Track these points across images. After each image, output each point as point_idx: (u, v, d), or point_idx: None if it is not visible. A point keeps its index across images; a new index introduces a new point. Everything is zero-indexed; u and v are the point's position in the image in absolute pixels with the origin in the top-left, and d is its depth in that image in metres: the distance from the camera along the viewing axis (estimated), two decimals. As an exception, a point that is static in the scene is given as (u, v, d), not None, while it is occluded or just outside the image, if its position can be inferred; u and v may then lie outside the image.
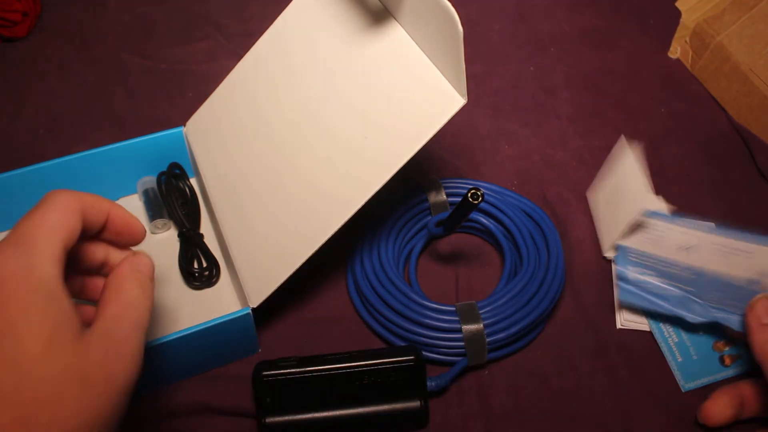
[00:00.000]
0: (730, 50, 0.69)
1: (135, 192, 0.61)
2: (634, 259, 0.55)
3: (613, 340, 0.54)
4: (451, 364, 0.51)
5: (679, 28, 0.76)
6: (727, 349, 0.53)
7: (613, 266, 0.57)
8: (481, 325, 0.49)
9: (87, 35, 0.79)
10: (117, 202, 0.61)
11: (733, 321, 0.51)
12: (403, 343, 0.51)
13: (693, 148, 0.67)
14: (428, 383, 0.48)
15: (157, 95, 0.73)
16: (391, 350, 0.48)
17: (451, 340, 0.50)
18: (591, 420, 0.49)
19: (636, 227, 0.55)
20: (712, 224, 0.57)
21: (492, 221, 0.57)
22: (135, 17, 0.82)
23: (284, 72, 0.55)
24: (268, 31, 0.57)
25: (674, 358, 0.52)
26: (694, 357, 0.53)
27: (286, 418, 0.46)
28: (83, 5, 0.83)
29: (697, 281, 0.53)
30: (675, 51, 0.77)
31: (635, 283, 0.54)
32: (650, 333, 0.54)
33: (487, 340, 0.50)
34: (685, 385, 0.51)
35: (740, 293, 0.51)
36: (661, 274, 0.54)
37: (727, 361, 0.52)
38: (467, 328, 0.50)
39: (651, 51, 0.78)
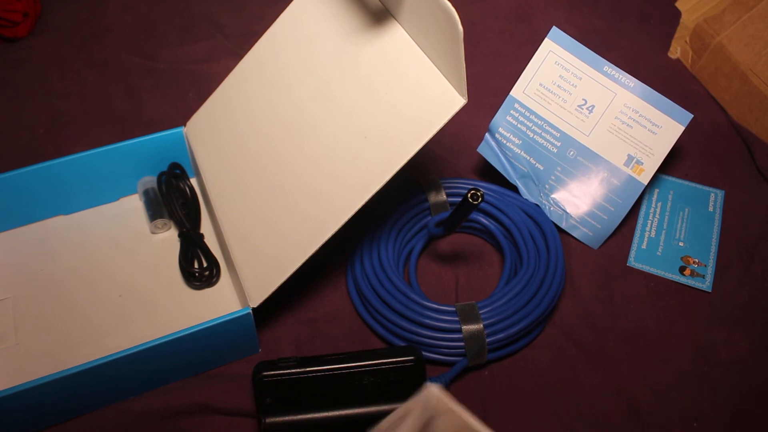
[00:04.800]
0: (730, 50, 0.69)
1: (135, 192, 0.61)
2: (512, 120, 0.58)
3: (613, 340, 0.54)
4: (451, 364, 0.51)
5: (679, 28, 0.76)
6: (695, 266, 0.55)
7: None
8: (481, 325, 0.49)
9: (87, 35, 0.79)
10: (117, 201, 0.61)
11: (550, 212, 0.59)
12: (403, 343, 0.51)
13: (693, 148, 0.67)
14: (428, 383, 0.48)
15: (157, 95, 0.73)
16: (391, 350, 0.48)
17: (451, 340, 0.50)
18: (591, 420, 0.49)
19: (555, 61, 0.59)
20: (638, 83, 0.60)
21: (492, 221, 0.57)
22: (135, 17, 0.82)
23: (284, 72, 0.55)
24: (268, 32, 0.57)
25: (640, 240, 0.57)
26: (658, 252, 0.57)
27: (286, 418, 0.46)
28: (83, 5, 0.83)
29: (554, 156, 0.57)
30: (675, 51, 0.77)
31: (498, 142, 0.59)
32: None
33: (487, 340, 0.50)
34: (633, 261, 0.56)
35: (586, 180, 0.57)
36: (525, 144, 0.58)
37: (688, 272, 0.55)
38: (467, 328, 0.50)
39: (651, 51, 0.78)
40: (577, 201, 0.60)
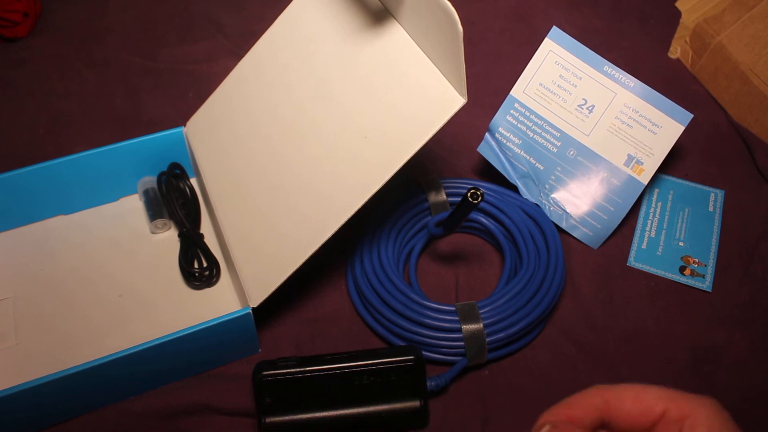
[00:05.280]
0: (730, 50, 0.69)
1: (135, 192, 0.61)
2: (512, 119, 0.58)
3: (613, 340, 0.54)
4: (451, 364, 0.51)
5: (679, 28, 0.76)
6: (695, 265, 0.55)
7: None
8: (481, 325, 0.49)
9: (87, 35, 0.79)
10: (117, 201, 0.61)
11: (550, 212, 0.59)
12: (403, 343, 0.51)
13: (693, 148, 0.67)
14: (428, 383, 0.48)
15: (157, 95, 0.73)
16: (391, 350, 0.48)
17: (451, 340, 0.50)
18: (591, 420, 0.49)
19: (556, 61, 0.59)
20: (638, 83, 0.60)
21: (492, 221, 0.57)
22: (135, 17, 0.82)
23: (284, 72, 0.55)
24: (268, 32, 0.57)
25: (640, 240, 0.57)
26: (658, 252, 0.58)
27: (286, 418, 0.46)
28: (83, 5, 0.83)
29: (554, 156, 0.57)
30: (675, 51, 0.77)
31: (498, 142, 0.59)
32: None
33: (487, 340, 0.50)
34: (633, 261, 0.57)
35: (585, 179, 0.58)
36: (525, 144, 0.58)
37: (688, 272, 0.55)
38: (467, 328, 0.50)
39: (651, 51, 0.78)
40: (577, 201, 0.60)
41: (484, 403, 0.50)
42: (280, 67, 0.55)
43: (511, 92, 0.61)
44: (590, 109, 0.60)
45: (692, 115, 0.59)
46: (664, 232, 0.61)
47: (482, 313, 0.50)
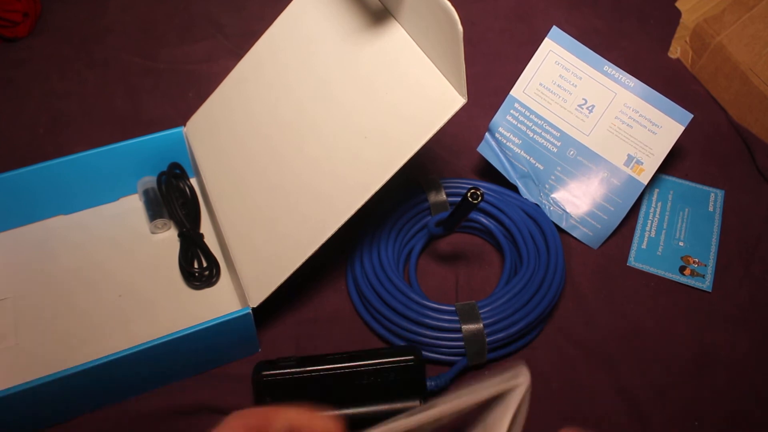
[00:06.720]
0: (730, 50, 0.69)
1: (135, 192, 0.61)
2: (512, 119, 0.59)
3: (613, 339, 0.54)
4: (451, 363, 0.51)
5: (679, 28, 0.76)
6: (695, 265, 0.55)
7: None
8: (481, 325, 0.49)
9: (87, 35, 0.79)
10: (117, 201, 0.61)
11: (550, 212, 0.59)
12: (403, 343, 0.51)
13: (693, 148, 0.67)
14: (428, 383, 0.48)
15: (157, 95, 0.73)
16: (391, 350, 0.48)
17: (451, 339, 0.50)
18: (591, 419, 0.49)
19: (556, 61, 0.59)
20: (638, 83, 0.60)
21: (492, 221, 0.57)
22: (135, 17, 0.82)
23: (284, 72, 0.55)
24: (268, 32, 0.57)
25: (640, 240, 0.57)
26: (658, 252, 0.57)
27: (286, 418, 0.46)
28: (83, 5, 0.83)
29: (554, 156, 0.57)
30: (675, 51, 0.77)
31: (498, 142, 0.59)
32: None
33: (487, 339, 0.50)
34: (633, 261, 0.57)
35: (584, 181, 0.58)
36: (525, 144, 0.59)
37: (688, 272, 0.55)
38: (467, 327, 0.50)
39: (651, 51, 0.78)
40: (577, 201, 0.60)
41: (484, 403, 0.50)
42: (279, 67, 0.55)
43: (511, 92, 0.61)
44: (590, 109, 0.60)
45: (692, 115, 0.59)
46: (664, 232, 0.61)
47: (482, 313, 0.50)
